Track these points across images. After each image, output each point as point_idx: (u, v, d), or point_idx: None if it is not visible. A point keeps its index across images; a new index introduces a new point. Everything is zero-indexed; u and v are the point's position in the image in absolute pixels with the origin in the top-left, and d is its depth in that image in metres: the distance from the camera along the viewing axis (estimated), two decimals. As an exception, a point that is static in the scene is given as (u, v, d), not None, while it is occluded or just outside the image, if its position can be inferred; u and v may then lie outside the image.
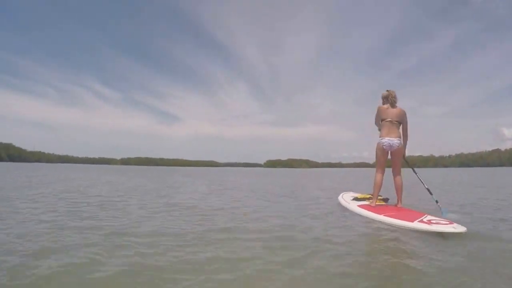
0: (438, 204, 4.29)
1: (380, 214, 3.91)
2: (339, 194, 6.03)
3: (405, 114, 4.53)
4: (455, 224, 3.14)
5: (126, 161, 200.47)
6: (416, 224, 3.29)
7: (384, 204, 4.74)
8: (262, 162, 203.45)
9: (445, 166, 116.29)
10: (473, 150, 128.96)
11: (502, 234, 3.13)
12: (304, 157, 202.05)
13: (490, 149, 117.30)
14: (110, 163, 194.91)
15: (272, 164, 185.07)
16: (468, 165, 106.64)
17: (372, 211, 4.14)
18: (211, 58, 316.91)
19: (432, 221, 3.33)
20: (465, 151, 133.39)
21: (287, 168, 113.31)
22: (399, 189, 4.52)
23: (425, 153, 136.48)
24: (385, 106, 4.55)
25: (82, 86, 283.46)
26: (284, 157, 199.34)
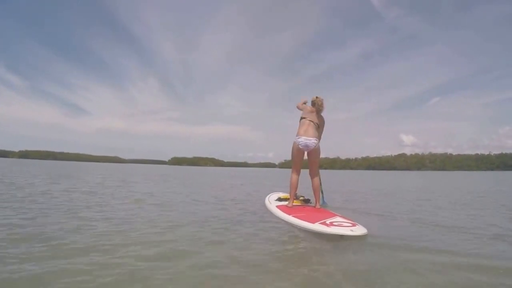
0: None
1: (289, 214, 3.89)
2: (266, 195, 6.03)
3: (324, 122, 4.69)
4: (356, 227, 3.17)
5: (24, 154, 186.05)
6: (316, 226, 3.26)
7: (302, 205, 4.73)
8: (166, 159, 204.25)
9: (352, 168, 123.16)
10: (376, 154, 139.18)
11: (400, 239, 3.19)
12: (210, 156, 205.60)
13: (395, 154, 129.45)
14: (8, 156, 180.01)
15: (177, 161, 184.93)
16: (375, 168, 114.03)
17: (284, 212, 4.11)
18: (125, 52, 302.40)
19: (334, 223, 3.34)
20: (370, 155, 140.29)
21: (193, 166, 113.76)
22: (316, 190, 4.55)
23: (331, 155, 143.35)
24: (310, 108, 4.64)
25: None
26: (190, 155, 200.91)
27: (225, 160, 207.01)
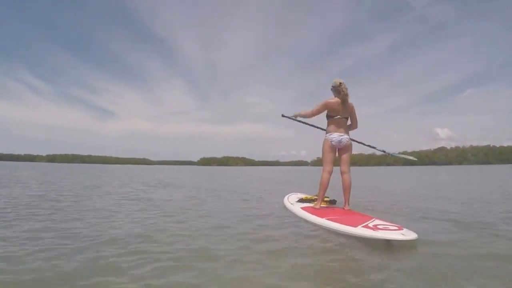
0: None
1: (322, 217, 3.57)
2: (285, 195, 5.70)
3: (353, 108, 4.32)
4: (404, 230, 2.83)
5: (51, 158, 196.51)
6: (360, 230, 2.95)
7: (330, 207, 4.46)
8: (195, 160, 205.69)
9: (389, 164, 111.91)
10: (409, 149, 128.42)
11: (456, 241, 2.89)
12: (240, 155, 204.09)
13: (430, 148, 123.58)
14: (36, 160, 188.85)
15: (207, 162, 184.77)
16: (413, 164, 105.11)
17: (314, 214, 3.80)
18: (150, 54, 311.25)
19: (379, 226, 3.02)
20: (404, 150, 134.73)
21: (222, 167, 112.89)
22: (347, 190, 4.24)
23: (366, 151, 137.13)
24: (334, 100, 4.22)
25: (13, 78, 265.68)
26: (219, 155, 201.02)
27: (256, 159, 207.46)
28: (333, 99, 4.22)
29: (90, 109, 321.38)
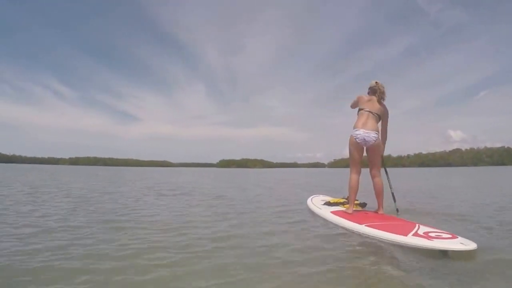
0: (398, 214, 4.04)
1: (361, 223, 3.27)
2: (307, 197, 5.45)
3: (387, 111, 4.08)
4: (461, 238, 2.53)
5: (74, 161, 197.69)
6: (413, 239, 2.64)
7: (362, 210, 4.17)
8: (215, 162, 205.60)
9: (405, 166, 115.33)
10: (424, 151, 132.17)
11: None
12: (258, 157, 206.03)
13: (441, 150, 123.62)
14: (59, 163, 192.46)
15: (226, 164, 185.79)
16: (428, 165, 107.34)
17: (350, 220, 3.50)
18: (171, 58, 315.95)
19: (430, 233, 2.72)
20: (417, 152, 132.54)
21: (242, 168, 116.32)
22: (379, 193, 3.97)
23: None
24: (367, 97, 4.06)
25: (39, 84, 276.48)
26: (238, 157, 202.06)
27: (274, 161, 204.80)
28: (367, 96, 4.11)
29: (113, 113, 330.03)
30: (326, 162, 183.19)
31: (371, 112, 3.94)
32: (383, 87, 4.01)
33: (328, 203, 4.60)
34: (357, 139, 3.88)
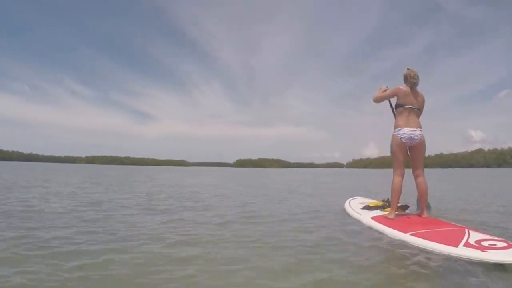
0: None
1: (405, 232, 3.10)
2: (345, 200, 5.24)
3: (424, 101, 3.92)
4: None
5: (91, 160, 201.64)
6: (464, 250, 2.46)
7: (405, 214, 3.96)
8: (231, 162, 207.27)
9: (425, 166, 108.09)
10: (444, 151, 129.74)
11: None
12: (275, 157, 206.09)
13: (461, 150, 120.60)
14: (76, 161, 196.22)
15: (242, 163, 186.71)
16: (450, 166, 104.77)
17: (393, 228, 3.32)
18: (188, 58, 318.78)
19: (483, 242, 2.57)
20: (439, 152, 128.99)
21: (259, 168, 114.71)
22: (423, 195, 3.82)
23: None
24: (405, 89, 3.85)
25: (57, 84, 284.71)
26: (255, 157, 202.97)
27: (291, 161, 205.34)
28: (404, 86, 3.88)
29: (130, 113, 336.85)
30: (344, 162, 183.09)
31: (413, 108, 3.78)
32: (414, 74, 3.78)
33: (367, 207, 4.42)
34: (402, 139, 3.72)
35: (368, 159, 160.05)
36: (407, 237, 3.00)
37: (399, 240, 3.05)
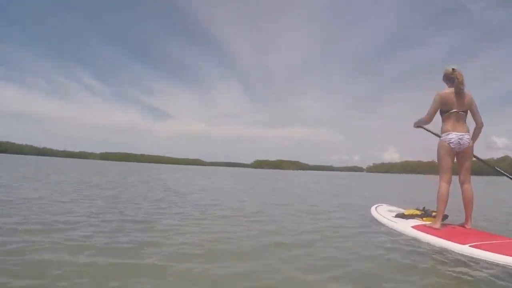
0: None
1: (463, 243, 2.78)
2: (369, 207, 4.98)
3: (473, 100, 3.59)
4: None
5: (104, 156, 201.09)
6: None
7: (448, 225, 3.65)
8: (248, 162, 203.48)
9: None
10: None
11: None
12: (292, 159, 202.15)
13: (497, 157, 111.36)
14: (89, 157, 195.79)
15: (260, 164, 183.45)
16: (476, 174, 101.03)
17: (445, 239, 3.01)
18: (205, 56, 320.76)
19: None
20: None
21: (277, 170, 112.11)
22: (469, 204, 3.54)
23: (424, 158, 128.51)
24: (449, 91, 3.56)
25: (73, 79, 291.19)
26: (273, 158, 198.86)
27: (310, 163, 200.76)
28: (446, 89, 3.60)
29: (145, 110, 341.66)
30: (364, 166, 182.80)
31: (458, 112, 3.51)
32: (462, 76, 3.50)
33: (402, 215, 4.12)
34: (451, 144, 3.47)
35: (389, 163, 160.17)
36: (466, 249, 2.69)
37: (456, 252, 2.75)
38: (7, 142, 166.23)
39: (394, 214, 4.24)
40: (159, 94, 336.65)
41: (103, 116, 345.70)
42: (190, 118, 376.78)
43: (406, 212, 4.22)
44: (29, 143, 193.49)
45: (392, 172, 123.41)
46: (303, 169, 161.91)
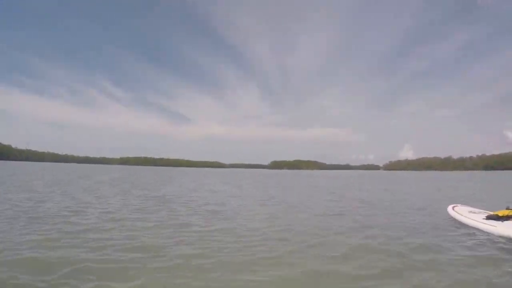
0: None
1: None
2: (445, 208, 5.21)
3: None
4: None
5: (125, 161, 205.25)
6: None
7: None
8: (266, 163, 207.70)
9: (467, 169, 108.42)
10: (479, 153, 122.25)
11: None
12: (311, 159, 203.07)
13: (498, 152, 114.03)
14: (110, 162, 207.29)
15: (277, 165, 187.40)
16: (494, 168, 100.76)
17: None
18: (222, 58, 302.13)
19: None
20: (474, 154, 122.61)
21: (296, 170, 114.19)
22: None
23: (441, 154, 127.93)
24: None
25: (94, 86, 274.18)
26: (291, 159, 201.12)
27: (327, 163, 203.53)
28: None
29: (165, 114, 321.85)
30: (380, 164, 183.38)
31: None
32: None
33: (496, 217, 4.09)
34: None
35: (406, 160, 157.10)
36: None
37: None
38: (28, 150, 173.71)
39: (483, 215, 4.22)
40: (178, 99, 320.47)
41: (124, 122, 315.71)
42: (209, 121, 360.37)
43: (500, 213, 4.16)
44: (50, 150, 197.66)
45: (409, 169, 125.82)
46: (321, 169, 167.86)
